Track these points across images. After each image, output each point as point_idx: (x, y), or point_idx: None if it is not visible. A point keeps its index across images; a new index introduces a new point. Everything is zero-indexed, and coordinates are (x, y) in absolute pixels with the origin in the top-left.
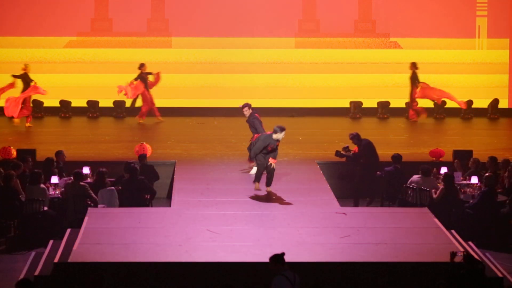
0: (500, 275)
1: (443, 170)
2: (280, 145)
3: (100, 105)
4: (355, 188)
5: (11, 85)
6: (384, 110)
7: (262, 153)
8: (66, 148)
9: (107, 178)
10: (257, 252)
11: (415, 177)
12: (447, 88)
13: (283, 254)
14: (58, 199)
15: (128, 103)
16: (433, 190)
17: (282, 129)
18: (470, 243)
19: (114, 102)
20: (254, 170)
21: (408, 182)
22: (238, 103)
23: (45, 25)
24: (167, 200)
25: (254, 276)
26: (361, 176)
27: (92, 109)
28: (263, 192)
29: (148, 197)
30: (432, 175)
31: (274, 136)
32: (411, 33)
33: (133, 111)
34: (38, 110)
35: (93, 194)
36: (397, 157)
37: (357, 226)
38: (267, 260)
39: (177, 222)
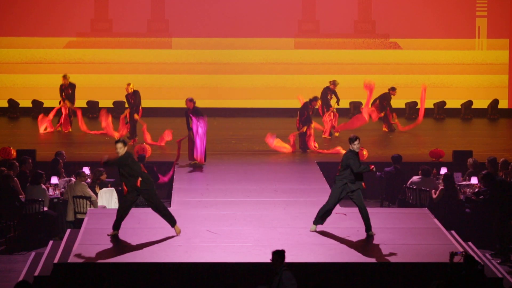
0: (500, 275)
1: (443, 170)
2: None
3: (100, 105)
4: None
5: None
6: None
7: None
8: (66, 148)
9: (107, 178)
10: (257, 252)
11: (415, 178)
12: (447, 88)
13: (284, 251)
14: (58, 199)
15: None
16: (433, 190)
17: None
18: (470, 243)
19: (114, 103)
20: None
21: (408, 183)
22: (238, 104)
23: (45, 26)
24: (167, 200)
25: (254, 276)
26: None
27: (92, 110)
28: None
29: None
30: (432, 176)
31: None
32: (411, 34)
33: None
34: (37, 111)
35: (92, 194)
36: (396, 158)
37: (357, 226)
38: (267, 260)
39: (177, 222)
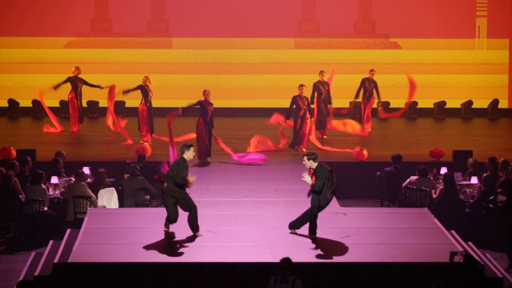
0: (500, 275)
1: (443, 170)
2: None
3: (100, 105)
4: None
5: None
6: (384, 111)
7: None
8: (66, 148)
9: (107, 178)
10: (256, 252)
11: (413, 178)
12: (447, 88)
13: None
14: (58, 199)
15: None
16: (433, 190)
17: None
18: (470, 243)
19: (114, 102)
20: None
21: (406, 182)
22: (238, 104)
23: (45, 26)
24: None
25: (254, 277)
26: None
27: (92, 110)
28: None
29: (148, 197)
30: (429, 175)
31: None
32: (411, 34)
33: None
34: (37, 111)
35: (92, 194)
36: (397, 158)
37: (357, 226)
38: (266, 260)
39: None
